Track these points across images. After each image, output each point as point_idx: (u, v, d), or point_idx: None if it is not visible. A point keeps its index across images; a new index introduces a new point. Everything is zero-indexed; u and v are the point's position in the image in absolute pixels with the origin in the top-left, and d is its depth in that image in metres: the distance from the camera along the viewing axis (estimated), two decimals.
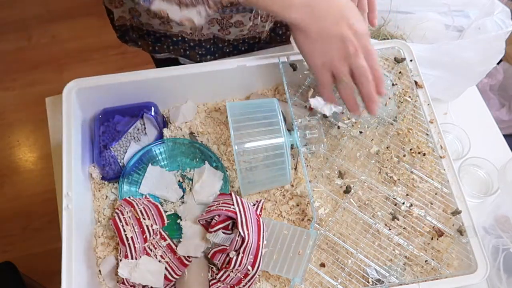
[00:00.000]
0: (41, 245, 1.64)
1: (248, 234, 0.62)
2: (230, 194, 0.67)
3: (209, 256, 0.66)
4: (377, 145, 0.73)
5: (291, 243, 0.66)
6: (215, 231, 0.64)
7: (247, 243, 0.62)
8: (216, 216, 0.65)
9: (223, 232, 0.64)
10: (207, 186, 0.73)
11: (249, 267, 0.63)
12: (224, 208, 0.64)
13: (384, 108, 0.76)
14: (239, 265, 0.62)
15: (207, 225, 0.66)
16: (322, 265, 0.67)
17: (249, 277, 0.64)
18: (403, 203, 0.69)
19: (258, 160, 0.67)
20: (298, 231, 0.66)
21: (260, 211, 0.70)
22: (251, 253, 0.62)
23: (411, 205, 0.69)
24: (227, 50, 0.96)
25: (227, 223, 0.65)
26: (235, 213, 0.63)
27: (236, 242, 0.63)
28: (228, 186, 0.74)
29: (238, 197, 0.66)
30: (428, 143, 0.72)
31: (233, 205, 0.65)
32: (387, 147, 0.73)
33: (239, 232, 0.62)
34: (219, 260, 0.65)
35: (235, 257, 0.62)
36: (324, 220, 0.69)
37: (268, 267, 0.65)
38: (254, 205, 0.70)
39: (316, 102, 0.71)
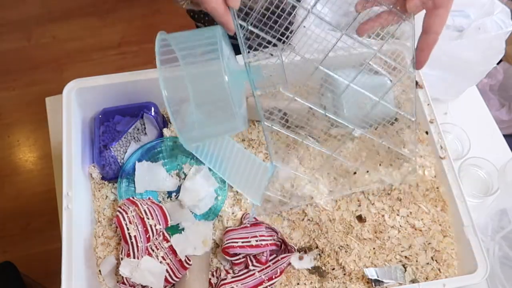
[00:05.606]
0: (41, 245, 1.64)
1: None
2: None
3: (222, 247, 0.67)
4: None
5: (252, 171, 0.72)
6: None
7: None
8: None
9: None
10: (196, 190, 0.70)
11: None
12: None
13: (383, 108, 0.75)
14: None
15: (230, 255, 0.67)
16: (321, 267, 0.67)
17: (273, 281, 0.65)
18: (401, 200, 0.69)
19: (191, 93, 0.52)
20: (257, 163, 0.73)
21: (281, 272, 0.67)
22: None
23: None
24: None
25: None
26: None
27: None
28: (223, 205, 0.72)
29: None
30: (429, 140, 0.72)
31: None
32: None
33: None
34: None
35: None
36: (325, 219, 0.69)
37: (235, 184, 0.72)
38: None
39: None
